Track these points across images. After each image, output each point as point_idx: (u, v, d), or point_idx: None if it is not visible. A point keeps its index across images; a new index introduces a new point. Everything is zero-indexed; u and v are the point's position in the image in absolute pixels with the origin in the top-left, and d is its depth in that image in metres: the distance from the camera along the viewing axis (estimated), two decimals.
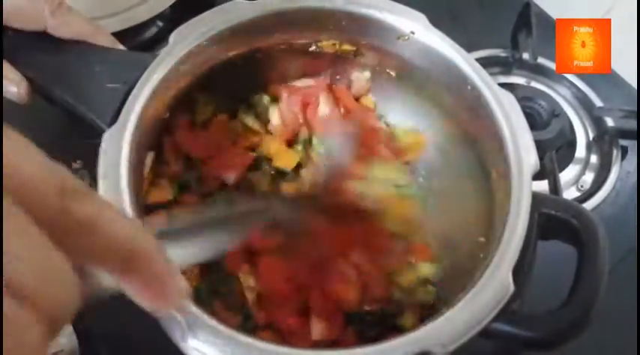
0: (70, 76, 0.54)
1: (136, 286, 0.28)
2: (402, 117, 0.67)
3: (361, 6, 0.59)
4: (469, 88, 0.56)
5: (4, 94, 0.54)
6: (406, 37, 0.59)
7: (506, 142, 0.52)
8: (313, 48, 0.63)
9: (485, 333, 0.44)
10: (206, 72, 0.59)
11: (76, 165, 0.69)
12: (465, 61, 0.56)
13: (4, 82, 0.53)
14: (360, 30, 0.60)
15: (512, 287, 0.45)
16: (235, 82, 0.62)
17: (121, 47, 0.57)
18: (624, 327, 0.63)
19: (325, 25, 0.60)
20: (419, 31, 0.58)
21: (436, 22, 0.58)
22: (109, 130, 0.50)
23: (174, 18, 0.82)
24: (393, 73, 0.64)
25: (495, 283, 0.45)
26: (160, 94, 0.54)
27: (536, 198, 0.50)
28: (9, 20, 0.53)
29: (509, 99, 0.54)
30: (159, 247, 0.29)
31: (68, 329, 0.58)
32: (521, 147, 0.52)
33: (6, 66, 0.53)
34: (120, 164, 0.49)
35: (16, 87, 0.53)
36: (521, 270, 0.47)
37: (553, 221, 0.51)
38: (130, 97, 0.52)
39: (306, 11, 0.59)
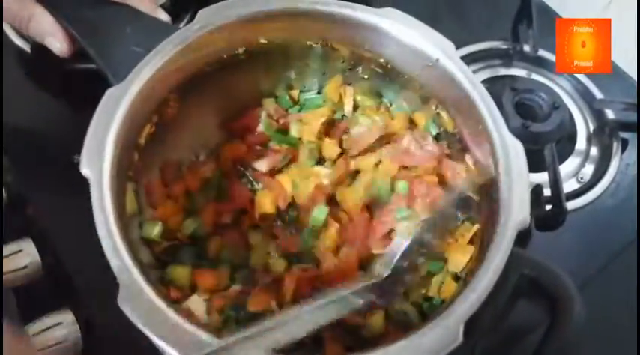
0: (102, 31, 0.55)
1: None
2: None
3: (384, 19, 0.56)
4: (480, 127, 0.52)
5: (49, 46, 0.60)
6: (430, 64, 0.55)
7: (502, 192, 0.49)
8: None
9: None
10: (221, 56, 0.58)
11: (77, 157, 0.66)
12: (481, 99, 0.53)
13: (49, 39, 0.59)
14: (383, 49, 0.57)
15: (460, 339, 0.43)
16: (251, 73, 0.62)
17: (163, 16, 0.59)
18: (623, 321, 0.63)
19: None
20: (443, 59, 0.54)
21: (438, 15, 0.55)
22: (112, 87, 0.50)
23: (175, 9, 0.79)
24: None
25: (441, 330, 0.43)
26: (170, 67, 0.53)
27: (520, 257, 0.47)
28: None
29: (516, 148, 0.51)
30: None
31: (70, 319, 0.58)
32: (514, 201, 0.48)
33: (52, 23, 0.58)
34: (112, 122, 0.49)
35: (59, 43, 0.59)
36: (478, 324, 0.45)
37: (531, 283, 0.48)
38: (141, 63, 0.52)
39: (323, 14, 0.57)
